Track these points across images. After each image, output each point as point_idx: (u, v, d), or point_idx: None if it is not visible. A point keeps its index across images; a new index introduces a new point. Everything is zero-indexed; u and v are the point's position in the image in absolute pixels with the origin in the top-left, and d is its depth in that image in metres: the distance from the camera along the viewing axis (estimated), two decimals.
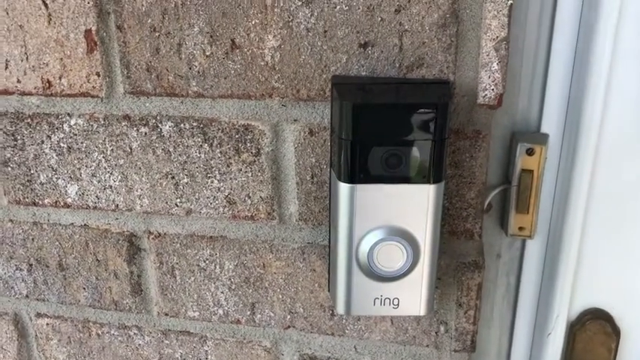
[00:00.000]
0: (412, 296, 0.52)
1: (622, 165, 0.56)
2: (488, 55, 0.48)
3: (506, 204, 0.61)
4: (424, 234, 0.50)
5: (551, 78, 0.56)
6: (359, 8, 0.49)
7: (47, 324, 0.71)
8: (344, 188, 0.49)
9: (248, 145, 0.56)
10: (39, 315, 0.70)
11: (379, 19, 0.49)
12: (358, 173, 0.48)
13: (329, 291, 0.58)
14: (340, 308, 0.53)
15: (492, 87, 0.49)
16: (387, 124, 0.47)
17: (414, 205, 0.49)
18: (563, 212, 0.59)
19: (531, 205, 0.59)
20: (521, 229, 0.61)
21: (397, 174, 0.48)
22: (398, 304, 0.52)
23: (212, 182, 0.58)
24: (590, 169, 0.56)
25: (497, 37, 0.48)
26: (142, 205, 0.61)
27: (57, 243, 0.66)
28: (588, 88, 0.54)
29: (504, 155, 0.60)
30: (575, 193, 0.58)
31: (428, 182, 0.48)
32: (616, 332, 0.62)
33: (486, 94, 0.50)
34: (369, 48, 0.50)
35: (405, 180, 0.48)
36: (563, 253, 0.60)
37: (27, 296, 0.69)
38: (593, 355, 0.63)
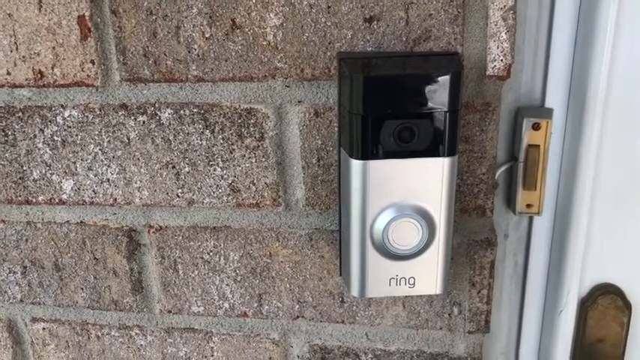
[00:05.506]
0: (428, 275, 0.51)
1: (630, 136, 0.56)
2: (496, 25, 0.48)
3: (513, 181, 0.60)
4: (439, 210, 0.49)
5: (554, 49, 0.55)
6: None
7: (43, 328, 0.68)
8: (356, 165, 0.47)
9: (251, 129, 0.55)
10: (34, 320, 0.68)
11: None
12: (371, 148, 0.47)
13: (340, 275, 0.56)
14: (355, 290, 0.52)
15: (501, 57, 0.49)
16: (398, 96, 0.46)
17: (428, 180, 0.48)
18: (571, 187, 0.59)
19: (539, 180, 0.59)
20: (529, 206, 0.60)
21: (410, 148, 0.47)
22: (414, 284, 0.51)
23: (215, 170, 0.57)
24: (597, 141, 0.56)
25: (504, 5, 0.47)
26: (141, 198, 0.59)
27: (52, 242, 0.63)
28: (593, 57, 0.53)
29: (509, 132, 0.59)
30: (582, 166, 0.57)
31: (442, 155, 0.47)
32: (627, 306, 0.62)
33: (495, 65, 0.49)
34: (375, 22, 0.49)
35: (419, 154, 0.47)
36: (572, 229, 0.60)
37: (21, 300, 0.67)
38: (606, 330, 0.62)
